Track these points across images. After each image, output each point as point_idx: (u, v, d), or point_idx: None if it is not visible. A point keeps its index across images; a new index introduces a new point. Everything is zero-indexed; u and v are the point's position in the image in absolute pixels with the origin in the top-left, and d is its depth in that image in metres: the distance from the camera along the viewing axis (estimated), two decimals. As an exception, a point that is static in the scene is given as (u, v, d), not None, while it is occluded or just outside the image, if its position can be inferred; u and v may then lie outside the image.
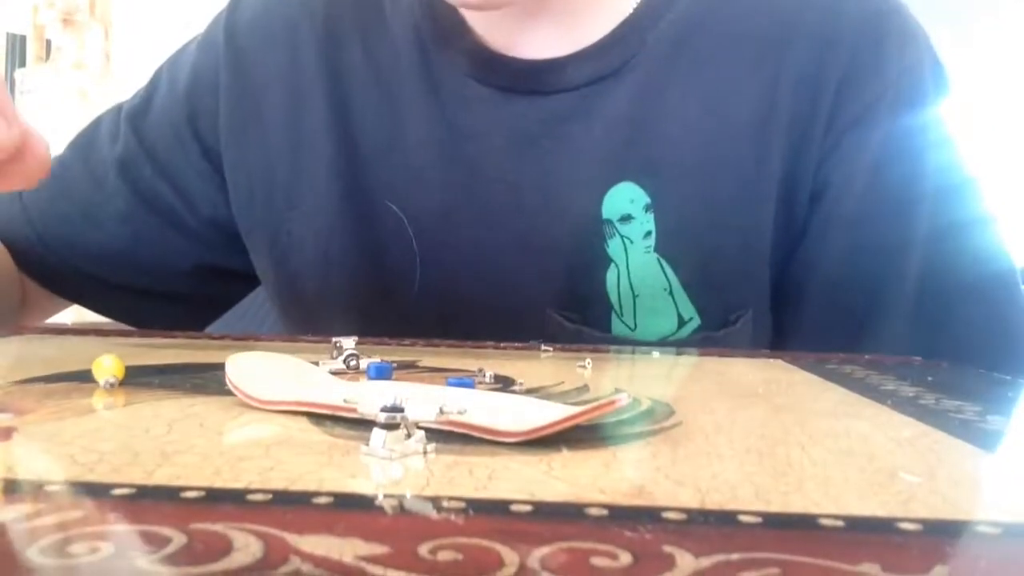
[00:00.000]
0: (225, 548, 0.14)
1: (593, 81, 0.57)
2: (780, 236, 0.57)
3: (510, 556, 0.14)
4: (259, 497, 0.18)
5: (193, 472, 0.19)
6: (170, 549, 0.14)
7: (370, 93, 0.61)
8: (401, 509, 0.17)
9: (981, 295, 0.56)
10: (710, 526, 0.17)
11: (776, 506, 0.18)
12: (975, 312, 0.56)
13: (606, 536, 0.16)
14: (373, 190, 0.60)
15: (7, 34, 2.08)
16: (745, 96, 0.55)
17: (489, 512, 0.17)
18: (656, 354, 0.47)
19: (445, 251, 0.59)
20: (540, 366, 0.41)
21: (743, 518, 0.17)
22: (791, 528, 0.17)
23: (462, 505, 0.17)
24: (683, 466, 0.21)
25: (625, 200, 0.55)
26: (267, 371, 0.31)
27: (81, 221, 0.66)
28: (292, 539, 0.15)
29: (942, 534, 0.17)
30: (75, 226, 0.66)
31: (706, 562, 0.14)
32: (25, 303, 0.67)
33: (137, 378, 0.31)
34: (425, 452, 0.22)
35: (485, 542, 0.15)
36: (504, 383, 0.35)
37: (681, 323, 0.56)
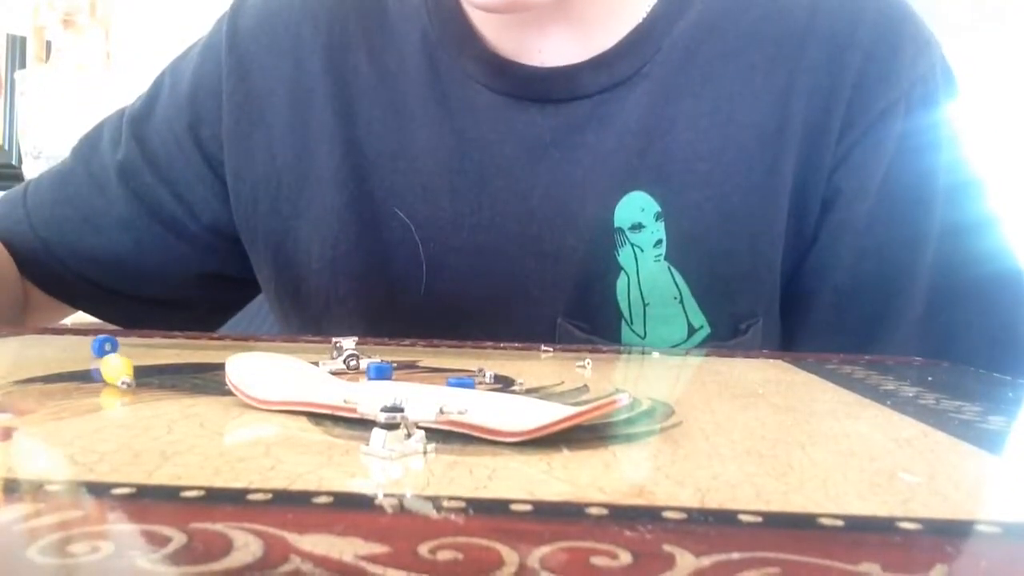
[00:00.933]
0: (225, 547, 0.14)
1: (606, 89, 0.56)
2: (791, 244, 0.56)
3: (510, 556, 0.14)
4: (259, 497, 0.18)
5: (193, 472, 0.19)
6: (170, 549, 0.14)
7: (376, 98, 0.60)
8: (401, 509, 0.17)
9: (989, 297, 0.56)
10: (710, 526, 0.17)
11: (776, 506, 0.18)
12: (983, 314, 0.56)
13: (606, 536, 0.16)
14: (379, 197, 0.59)
15: (7, 35, 2.08)
16: (758, 103, 0.55)
17: (489, 512, 0.17)
18: (656, 354, 0.47)
19: (452, 258, 0.58)
20: (540, 366, 0.41)
21: (743, 518, 0.17)
22: (791, 528, 0.17)
23: (462, 505, 0.17)
24: (683, 466, 0.21)
25: (636, 209, 0.55)
26: (267, 371, 0.31)
27: (83, 227, 0.65)
28: (292, 539, 0.15)
29: (942, 534, 0.17)
30: (77, 232, 0.65)
31: (706, 561, 0.14)
32: (27, 308, 0.67)
33: (137, 378, 0.31)
34: (425, 452, 0.22)
35: (485, 542, 0.15)
36: (504, 383, 0.35)
37: (691, 332, 0.56)
